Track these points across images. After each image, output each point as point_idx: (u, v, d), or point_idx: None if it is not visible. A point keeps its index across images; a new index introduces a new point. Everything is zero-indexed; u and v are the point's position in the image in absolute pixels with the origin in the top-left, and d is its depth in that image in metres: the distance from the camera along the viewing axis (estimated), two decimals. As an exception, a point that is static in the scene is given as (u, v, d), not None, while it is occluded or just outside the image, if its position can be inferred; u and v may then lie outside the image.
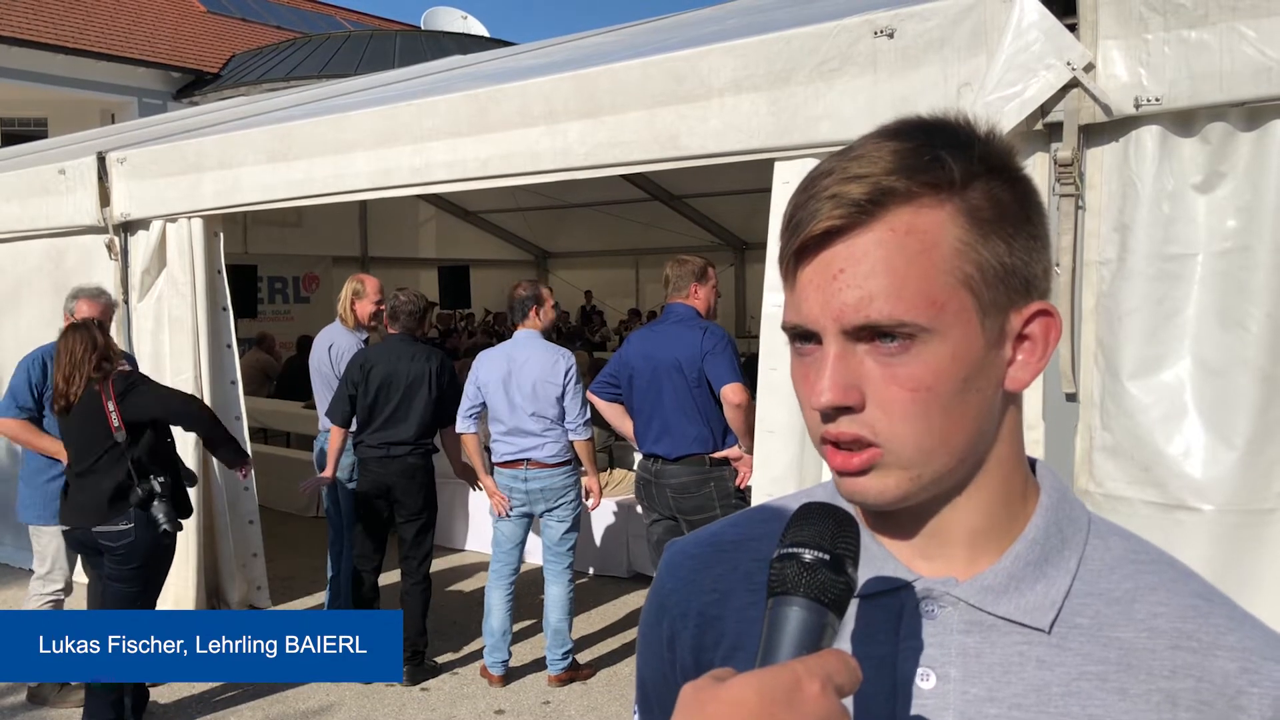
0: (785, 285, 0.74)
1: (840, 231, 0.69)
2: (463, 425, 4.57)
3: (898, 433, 0.69)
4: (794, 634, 0.64)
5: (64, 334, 3.89)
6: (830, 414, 0.70)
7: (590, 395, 4.41)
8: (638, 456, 6.60)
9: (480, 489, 4.75)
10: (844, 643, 0.75)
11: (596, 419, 4.59)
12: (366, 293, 5.13)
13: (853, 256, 0.68)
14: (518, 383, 4.41)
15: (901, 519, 0.75)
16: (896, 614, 0.75)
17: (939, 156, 0.69)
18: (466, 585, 6.16)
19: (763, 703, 0.59)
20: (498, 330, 12.50)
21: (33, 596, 4.39)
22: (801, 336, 0.72)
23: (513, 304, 4.58)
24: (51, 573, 4.42)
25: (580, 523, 4.62)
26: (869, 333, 0.69)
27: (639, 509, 4.44)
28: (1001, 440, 0.74)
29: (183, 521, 3.93)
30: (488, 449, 4.67)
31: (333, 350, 5.05)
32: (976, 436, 0.72)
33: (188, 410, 3.98)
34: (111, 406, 3.75)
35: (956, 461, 0.71)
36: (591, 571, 6.24)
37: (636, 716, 0.93)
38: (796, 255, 0.71)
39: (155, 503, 3.76)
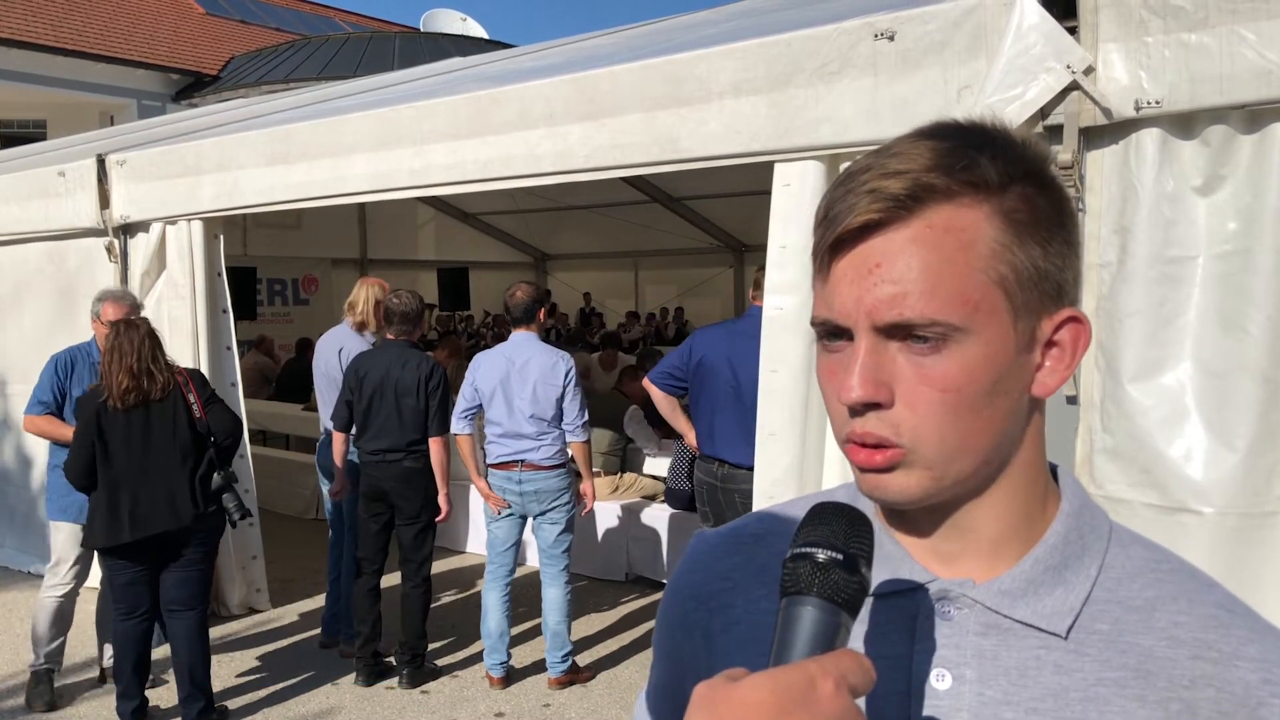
0: (817, 279, 0.73)
1: (878, 226, 0.68)
2: (457, 426, 4.56)
3: (924, 432, 0.69)
4: (807, 634, 0.63)
5: (125, 330, 3.89)
6: (858, 410, 0.70)
7: (647, 383, 4.38)
8: (649, 462, 6.63)
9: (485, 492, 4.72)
10: (859, 643, 0.75)
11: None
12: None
13: (889, 252, 0.68)
14: (518, 385, 4.41)
15: (920, 519, 0.75)
16: (912, 615, 0.74)
17: (977, 157, 0.69)
18: (467, 587, 6.16)
19: (777, 702, 0.58)
20: (499, 333, 12.51)
21: (42, 589, 4.43)
22: (831, 332, 0.72)
23: (517, 305, 4.54)
24: (55, 567, 4.43)
25: (575, 525, 4.62)
26: (901, 331, 0.68)
27: (699, 516, 4.37)
28: (1025, 445, 0.74)
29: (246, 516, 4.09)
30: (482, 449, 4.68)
31: (343, 354, 5.02)
32: (1001, 439, 0.71)
33: (237, 442, 4.10)
34: (193, 398, 3.90)
35: (980, 463, 0.71)
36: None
37: (641, 697, 0.93)
38: (832, 249, 0.71)
39: (226, 494, 3.96)
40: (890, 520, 0.78)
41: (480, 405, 4.51)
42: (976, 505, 0.74)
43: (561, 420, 4.44)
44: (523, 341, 4.49)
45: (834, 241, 0.70)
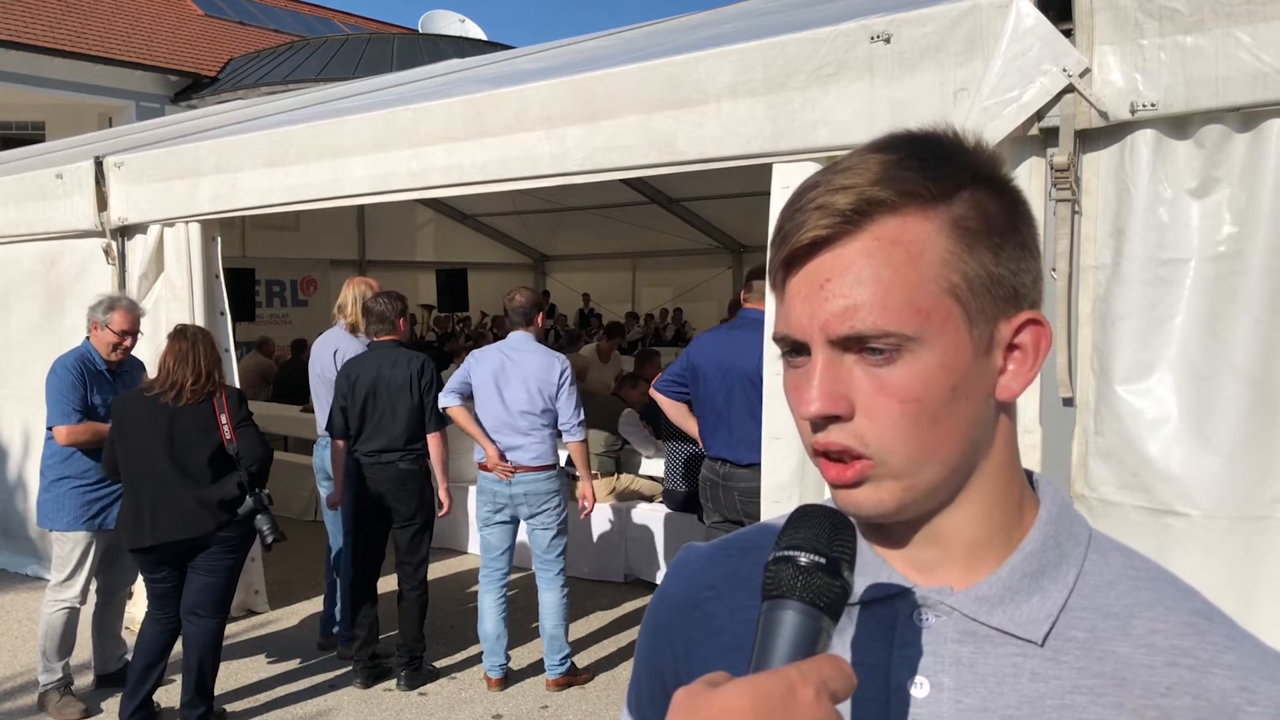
0: (775, 296, 0.74)
1: (827, 242, 0.69)
2: (446, 399, 4.51)
3: (887, 443, 0.69)
4: (789, 638, 0.63)
5: (188, 334, 3.99)
6: (819, 423, 0.70)
7: (653, 392, 4.43)
8: (646, 463, 6.64)
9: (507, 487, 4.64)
10: (839, 649, 0.75)
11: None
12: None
13: (839, 266, 0.69)
14: (511, 379, 4.40)
15: (897, 529, 0.75)
16: (891, 622, 0.75)
17: (925, 167, 0.70)
18: (466, 589, 6.16)
19: (757, 709, 0.58)
20: (496, 334, 12.52)
21: (47, 602, 4.34)
22: (792, 347, 0.72)
23: (517, 309, 4.52)
24: (69, 580, 4.33)
25: (569, 527, 4.58)
26: (856, 343, 0.69)
27: (703, 511, 4.42)
28: (995, 450, 0.74)
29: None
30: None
31: (338, 356, 5.03)
32: (968, 446, 0.71)
33: (266, 467, 4.07)
34: (225, 419, 3.91)
35: (950, 471, 0.71)
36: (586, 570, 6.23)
37: (626, 715, 0.93)
38: (785, 266, 0.72)
39: (260, 515, 3.96)
40: (868, 532, 0.78)
41: (469, 385, 4.49)
42: (951, 513, 0.74)
43: (555, 420, 4.43)
44: (520, 340, 4.49)
45: (786, 259, 0.71)
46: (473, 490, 6.70)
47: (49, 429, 4.36)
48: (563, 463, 4.67)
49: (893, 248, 0.68)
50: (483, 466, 4.51)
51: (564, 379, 4.42)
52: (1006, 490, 0.75)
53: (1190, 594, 0.75)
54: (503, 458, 4.44)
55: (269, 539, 3.99)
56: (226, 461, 3.93)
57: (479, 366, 4.49)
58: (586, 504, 4.65)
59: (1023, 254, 0.72)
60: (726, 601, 0.83)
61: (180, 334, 4.03)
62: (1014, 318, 0.72)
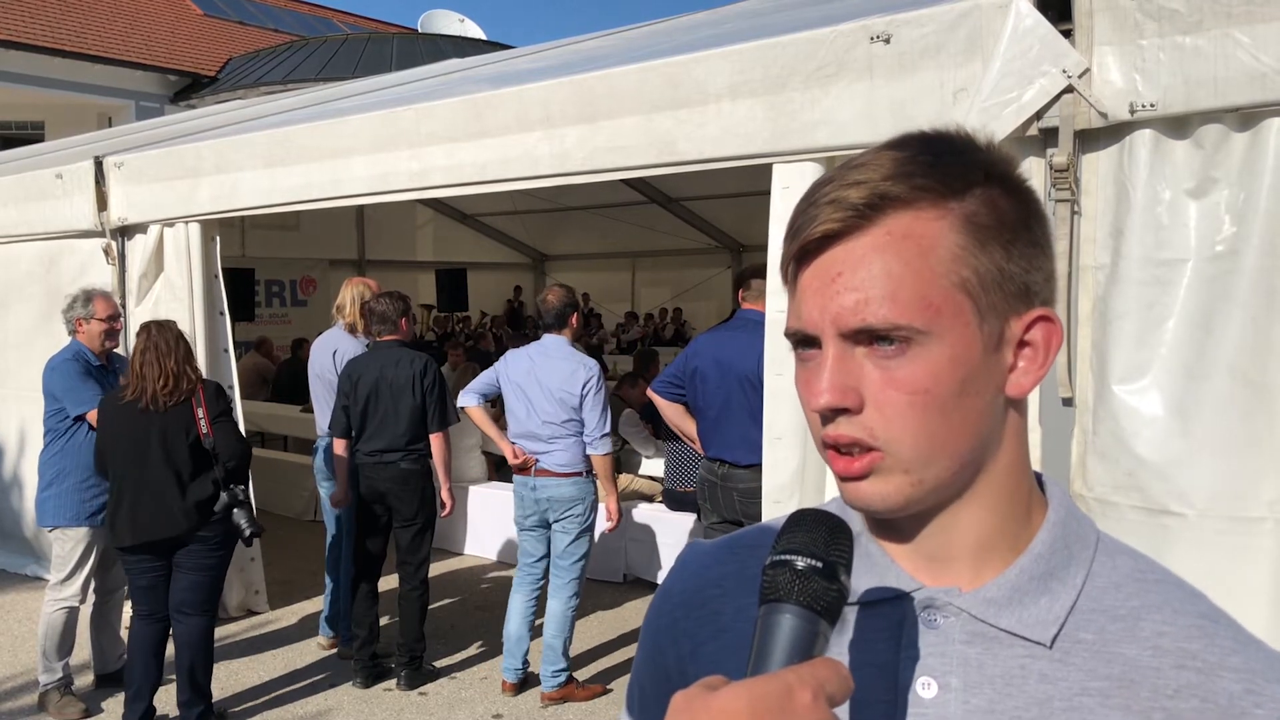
0: (787, 291, 0.75)
1: (839, 235, 0.70)
2: (465, 399, 4.52)
3: (896, 435, 0.69)
4: (786, 642, 0.64)
5: (159, 329, 3.93)
6: (829, 416, 0.71)
7: (650, 393, 4.40)
8: (646, 463, 6.65)
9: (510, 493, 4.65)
10: (844, 650, 0.75)
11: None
12: None
13: (850, 260, 0.69)
14: (535, 386, 4.37)
15: (905, 526, 0.75)
16: (898, 622, 0.75)
17: (938, 164, 0.70)
18: (465, 590, 6.16)
19: (754, 712, 0.59)
20: (496, 334, 12.51)
21: (47, 602, 4.34)
22: (803, 341, 0.73)
23: (549, 310, 4.44)
24: (69, 579, 4.34)
25: (591, 539, 4.49)
26: (867, 336, 0.69)
27: (700, 510, 4.40)
28: (1005, 447, 0.74)
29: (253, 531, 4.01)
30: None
31: (337, 356, 5.03)
32: (977, 441, 0.72)
33: (245, 463, 4.04)
34: (201, 413, 3.86)
35: (958, 465, 0.71)
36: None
37: (625, 714, 0.93)
38: (797, 260, 0.72)
39: (237, 510, 3.94)
40: (876, 529, 0.78)
41: (498, 393, 4.49)
42: (960, 510, 0.74)
43: (580, 428, 4.36)
44: (551, 345, 4.43)
45: (798, 253, 0.72)
46: (473, 491, 6.77)
47: (49, 428, 4.39)
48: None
49: (904, 242, 0.69)
50: (515, 470, 4.47)
51: (588, 389, 4.32)
52: (1015, 489, 0.75)
53: (1197, 597, 0.75)
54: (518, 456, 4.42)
55: (246, 532, 3.95)
56: (204, 457, 3.89)
57: (507, 370, 4.46)
58: (609, 522, 4.55)
59: (1035, 251, 0.73)
60: (733, 600, 0.83)
61: (141, 332, 3.96)
62: (1025, 314, 0.72)
